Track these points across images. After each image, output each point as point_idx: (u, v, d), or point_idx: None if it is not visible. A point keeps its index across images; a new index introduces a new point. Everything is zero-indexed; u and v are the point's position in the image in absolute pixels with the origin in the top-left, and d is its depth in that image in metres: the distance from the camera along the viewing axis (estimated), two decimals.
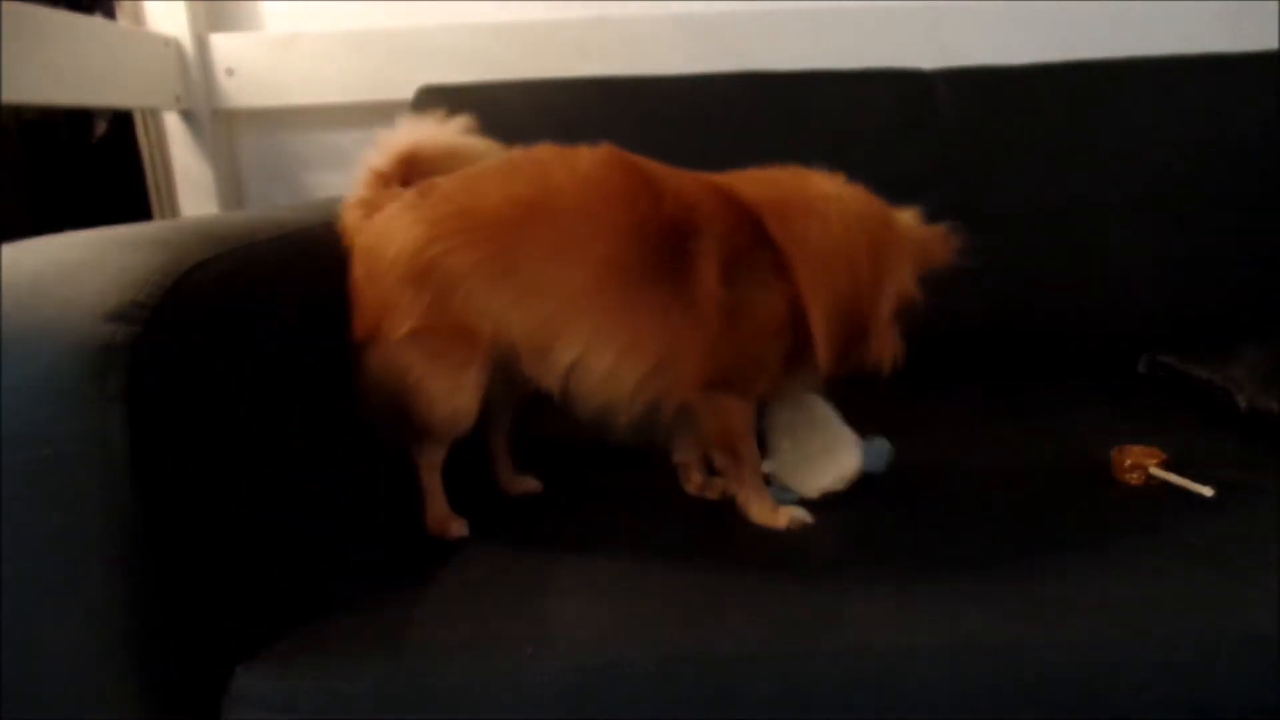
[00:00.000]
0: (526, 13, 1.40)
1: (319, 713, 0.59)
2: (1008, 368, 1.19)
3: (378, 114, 1.42)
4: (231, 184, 1.46)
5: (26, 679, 0.58)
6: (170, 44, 1.36)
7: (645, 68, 1.29)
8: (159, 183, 1.45)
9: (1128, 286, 1.21)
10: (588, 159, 0.77)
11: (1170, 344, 1.13)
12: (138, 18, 1.38)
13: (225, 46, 1.39)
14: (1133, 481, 0.84)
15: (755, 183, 0.80)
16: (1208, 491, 0.78)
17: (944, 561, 0.70)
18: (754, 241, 0.75)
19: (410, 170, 0.81)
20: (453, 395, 0.76)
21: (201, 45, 1.39)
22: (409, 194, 0.78)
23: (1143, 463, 0.83)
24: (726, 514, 0.81)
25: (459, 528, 0.79)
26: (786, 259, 0.74)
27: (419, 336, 0.74)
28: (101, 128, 1.42)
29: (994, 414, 1.06)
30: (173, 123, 1.42)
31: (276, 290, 0.74)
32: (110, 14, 1.35)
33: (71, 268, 0.58)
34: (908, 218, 0.83)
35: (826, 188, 0.80)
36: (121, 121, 1.43)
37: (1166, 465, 0.83)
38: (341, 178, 1.44)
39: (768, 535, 0.76)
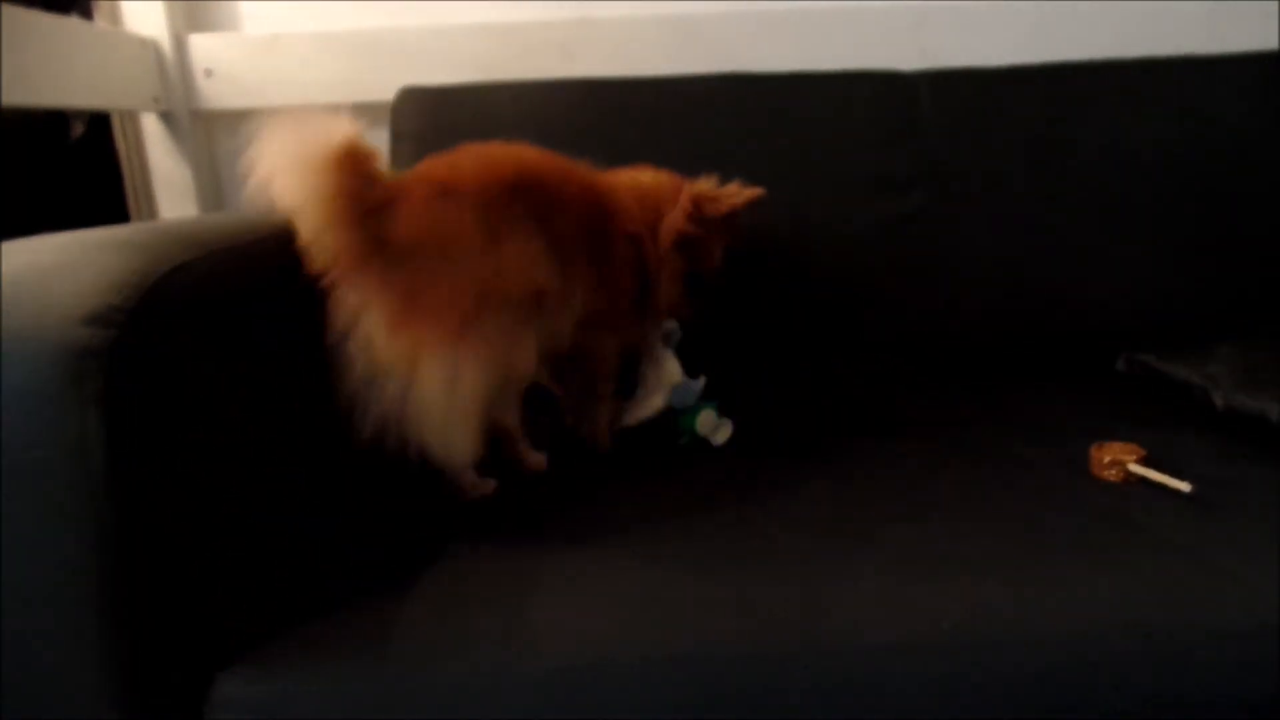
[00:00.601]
0: (509, 13, 1.40)
1: (302, 717, 0.58)
2: (989, 366, 1.20)
3: (359, 116, 1.41)
4: (211, 186, 1.45)
5: (3, 684, 0.57)
6: (148, 45, 1.35)
7: (630, 69, 1.29)
8: (137, 185, 1.44)
9: (1108, 286, 1.22)
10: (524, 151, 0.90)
11: (1149, 343, 1.14)
12: (115, 18, 1.36)
13: (204, 47, 1.38)
14: (1112, 478, 0.85)
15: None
16: (1185, 487, 0.79)
17: (926, 558, 0.70)
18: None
19: None
20: (531, 350, 0.84)
21: (180, 46, 1.37)
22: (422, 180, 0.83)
23: (1121, 459, 0.84)
24: (713, 511, 0.81)
25: (539, 460, 0.93)
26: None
27: (516, 299, 0.81)
28: (78, 129, 1.40)
29: (974, 411, 1.07)
30: (151, 124, 1.41)
31: (257, 293, 0.74)
32: (87, 14, 1.33)
33: (48, 271, 0.58)
34: (700, 183, 1.02)
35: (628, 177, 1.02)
36: (99, 123, 1.41)
37: (1145, 462, 0.84)
38: None
39: (753, 532, 0.76)
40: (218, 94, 1.40)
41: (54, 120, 1.37)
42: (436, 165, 0.86)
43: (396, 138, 1.27)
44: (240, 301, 0.71)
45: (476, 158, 0.87)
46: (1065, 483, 0.85)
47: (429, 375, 0.74)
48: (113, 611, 0.56)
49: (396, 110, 1.27)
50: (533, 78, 1.28)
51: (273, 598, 0.66)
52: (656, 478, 0.90)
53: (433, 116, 1.27)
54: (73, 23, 1.22)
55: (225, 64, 1.39)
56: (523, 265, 0.81)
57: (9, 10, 1.05)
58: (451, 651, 0.61)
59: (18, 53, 1.06)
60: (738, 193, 1.01)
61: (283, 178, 0.72)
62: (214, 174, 1.46)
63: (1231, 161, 1.24)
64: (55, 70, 1.14)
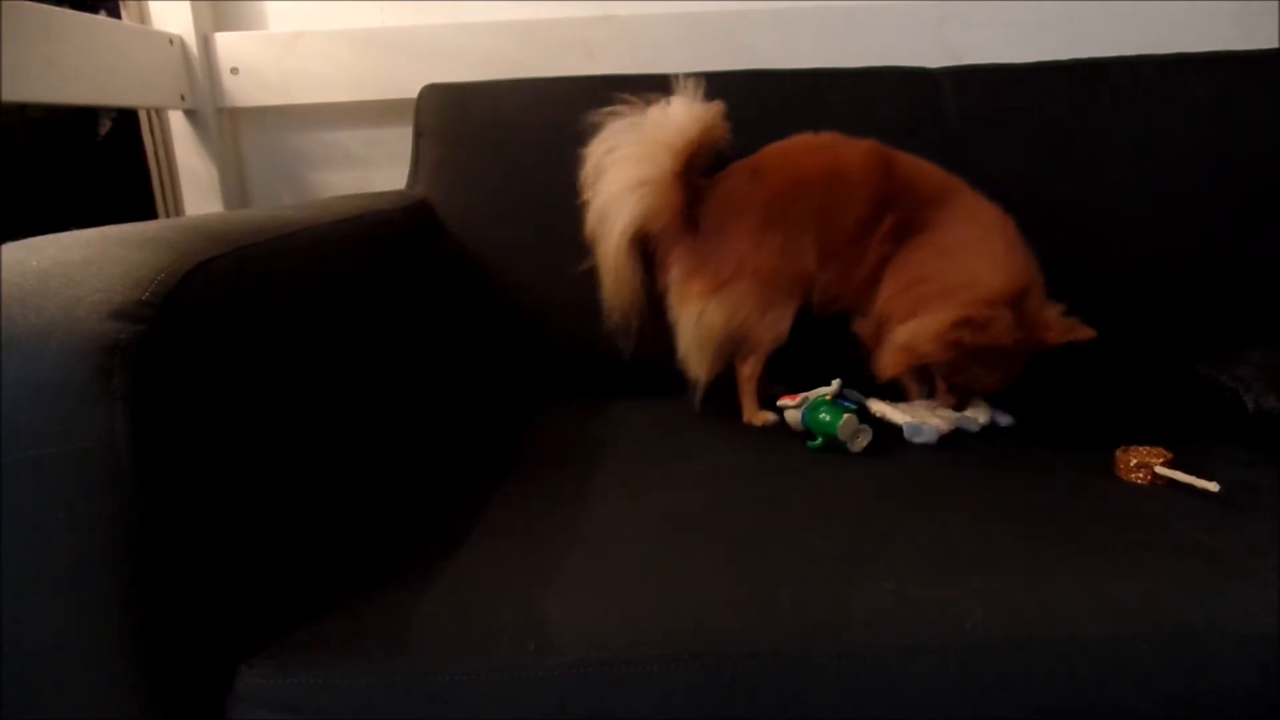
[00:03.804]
0: (531, 11, 1.40)
1: (322, 711, 0.59)
2: None
3: (382, 113, 1.43)
4: (236, 183, 1.46)
5: (28, 678, 0.58)
6: (175, 42, 1.36)
7: (652, 66, 1.28)
8: (164, 182, 1.46)
9: (1135, 284, 1.21)
10: (862, 146, 1.06)
11: (1179, 342, 1.13)
12: (142, 16, 1.38)
13: (230, 45, 1.39)
14: (1139, 480, 0.83)
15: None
16: (1214, 487, 0.78)
17: (948, 558, 0.70)
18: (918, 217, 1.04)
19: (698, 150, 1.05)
20: (780, 321, 1.03)
21: (206, 44, 1.39)
22: (743, 169, 1.07)
23: (1149, 462, 0.83)
24: (736, 509, 0.81)
25: (768, 416, 1.05)
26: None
27: (765, 275, 1.01)
28: (106, 126, 1.42)
29: (1003, 425, 1.05)
30: (177, 121, 1.42)
31: (282, 289, 0.74)
32: (115, 13, 1.35)
33: (76, 266, 0.58)
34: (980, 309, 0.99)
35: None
36: (126, 120, 1.43)
37: (1172, 464, 0.82)
38: (346, 176, 1.46)
39: (772, 529, 0.76)
40: (243, 92, 1.41)
41: (82, 117, 1.39)
42: (772, 151, 1.08)
43: (419, 134, 1.28)
44: (266, 297, 0.71)
45: (800, 149, 1.08)
46: (1090, 485, 0.84)
47: (686, 315, 1.04)
48: (137, 605, 0.57)
49: (419, 107, 1.28)
50: (555, 75, 1.29)
51: (295, 591, 0.67)
52: (682, 472, 0.90)
53: (455, 113, 1.27)
54: (101, 21, 1.24)
55: (251, 62, 1.40)
56: (785, 251, 1.02)
57: (37, 8, 1.06)
58: (470, 646, 0.61)
59: (46, 50, 1.08)
60: (1056, 327, 0.97)
61: (628, 163, 1.02)
62: (239, 171, 1.48)
63: (1262, 159, 1.22)
64: (83, 68, 1.16)
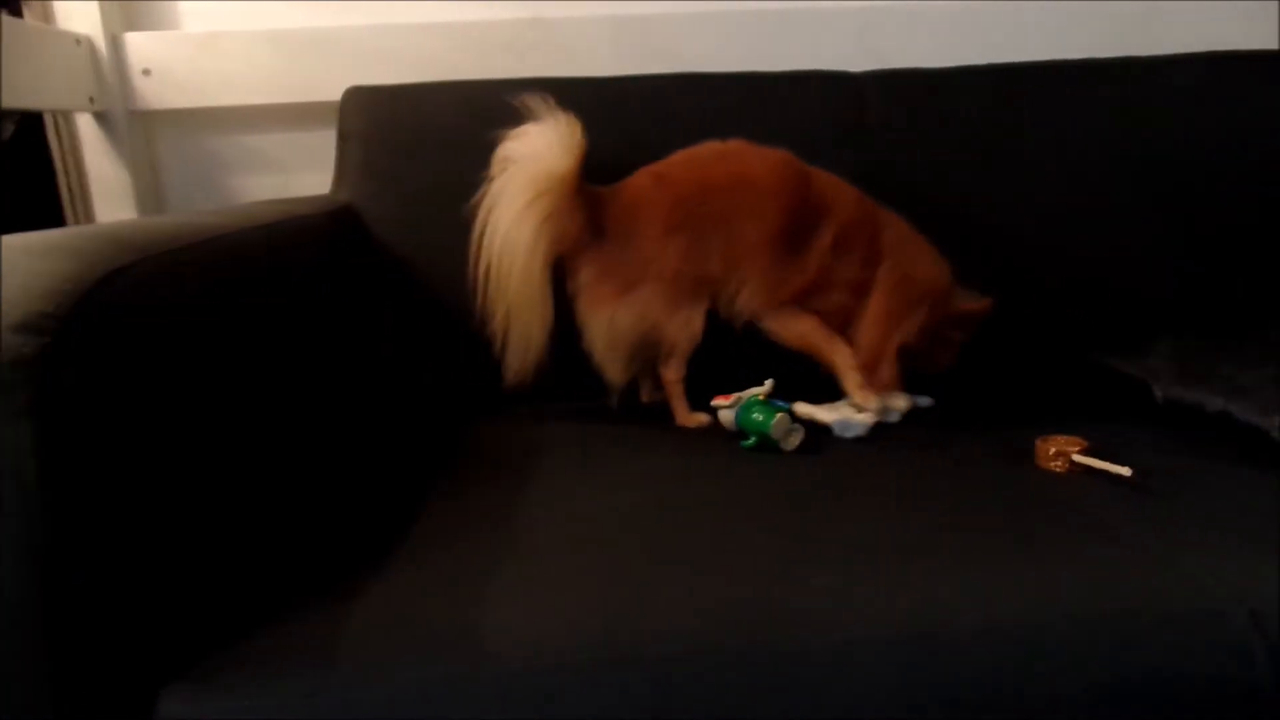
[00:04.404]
0: (458, 13, 1.38)
1: None
2: None
3: (304, 116, 1.40)
4: (150, 189, 1.41)
5: None
6: (82, 43, 1.31)
7: (580, 69, 1.29)
8: (72, 188, 1.40)
9: (1054, 282, 1.25)
10: (772, 155, 1.09)
11: (1094, 338, 1.17)
12: (47, 16, 1.32)
13: (141, 46, 1.34)
14: (1057, 469, 0.87)
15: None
16: (1126, 471, 0.81)
17: (877, 552, 0.71)
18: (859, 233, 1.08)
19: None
20: (690, 322, 1.05)
21: (116, 44, 1.34)
22: (649, 174, 1.09)
23: (1066, 450, 0.86)
24: (668, 509, 0.81)
25: (700, 418, 1.07)
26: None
27: (671, 277, 1.03)
28: (9, 130, 1.35)
29: (924, 407, 1.09)
30: (86, 125, 1.36)
31: (199, 298, 0.72)
32: (16, 11, 1.29)
33: None
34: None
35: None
36: (31, 124, 1.37)
37: (1088, 452, 0.86)
38: (267, 181, 1.42)
39: (707, 530, 0.76)
40: (156, 94, 1.36)
41: None
42: (678, 158, 1.10)
43: (343, 138, 1.25)
44: (183, 307, 0.69)
45: (706, 156, 1.09)
46: (1012, 474, 0.87)
47: (597, 320, 1.04)
48: (49, 629, 0.54)
49: (343, 110, 1.25)
50: (484, 77, 1.27)
51: (219, 609, 0.65)
52: (616, 475, 0.90)
53: (380, 117, 1.25)
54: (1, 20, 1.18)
55: (164, 63, 1.35)
56: (691, 254, 1.04)
57: None
58: (403, 659, 0.60)
59: None
60: (965, 302, 1.08)
61: (522, 194, 1.00)
62: (154, 176, 1.42)
63: (1171, 160, 1.27)
64: None
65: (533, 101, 1.05)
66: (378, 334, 1.14)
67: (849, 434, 0.99)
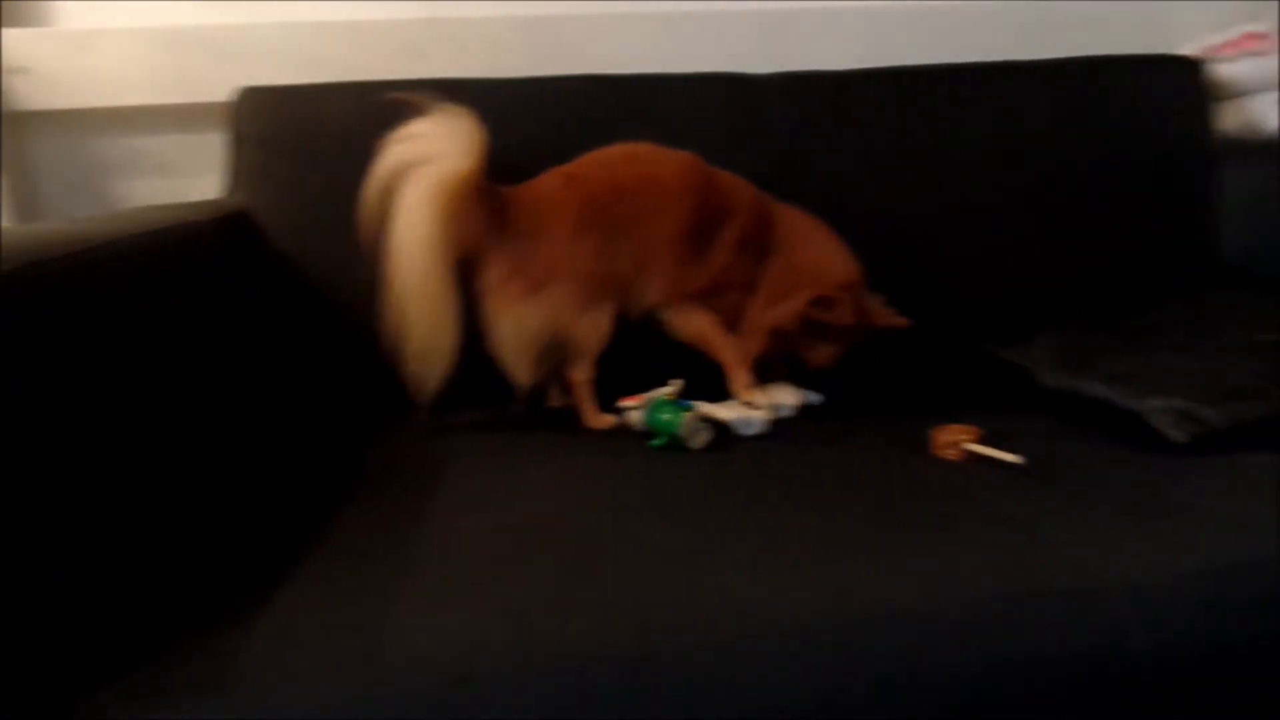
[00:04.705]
0: (355, 12, 1.35)
1: None
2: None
3: (194, 117, 1.34)
4: (26, 193, 1.33)
5: None
6: None
7: (481, 70, 1.27)
8: None
9: (948, 278, 1.30)
10: (679, 157, 1.10)
11: (984, 330, 1.22)
12: None
13: (15, 43, 1.27)
14: (951, 457, 0.90)
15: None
16: (1017, 459, 0.85)
17: (784, 545, 0.73)
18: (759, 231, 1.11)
19: None
20: (600, 322, 1.05)
21: None
22: (559, 174, 1.08)
23: (959, 439, 0.90)
24: (577, 510, 0.81)
25: (609, 419, 1.06)
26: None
27: (582, 277, 1.03)
28: None
29: (824, 401, 1.12)
30: None
31: (78, 309, 0.69)
32: None
33: None
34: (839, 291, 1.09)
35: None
36: None
37: (981, 441, 0.90)
38: (156, 185, 1.36)
39: (616, 532, 0.77)
40: (32, 94, 1.29)
41: None
42: (588, 159, 1.10)
43: (237, 140, 1.21)
44: (61, 319, 0.66)
45: (616, 158, 1.10)
46: (909, 464, 0.90)
47: (506, 320, 1.02)
48: None
49: (237, 112, 1.21)
50: (383, 78, 1.25)
51: (113, 636, 0.62)
52: (525, 480, 0.90)
53: (276, 118, 1.21)
54: None
55: (41, 61, 1.28)
56: (601, 255, 1.04)
57: None
58: (308, 678, 0.59)
59: None
60: (879, 314, 1.09)
61: (424, 196, 0.98)
62: (30, 181, 1.34)
63: (1048, 157, 1.34)
64: None
65: (429, 101, 1.03)
66: (276, 342, 1.10)
67: (749, 431, 1.01)
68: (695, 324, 1.10)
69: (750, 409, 1.04)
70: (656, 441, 0.97)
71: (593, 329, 1.05)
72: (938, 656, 0.63)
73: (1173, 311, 1.15)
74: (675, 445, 0.96)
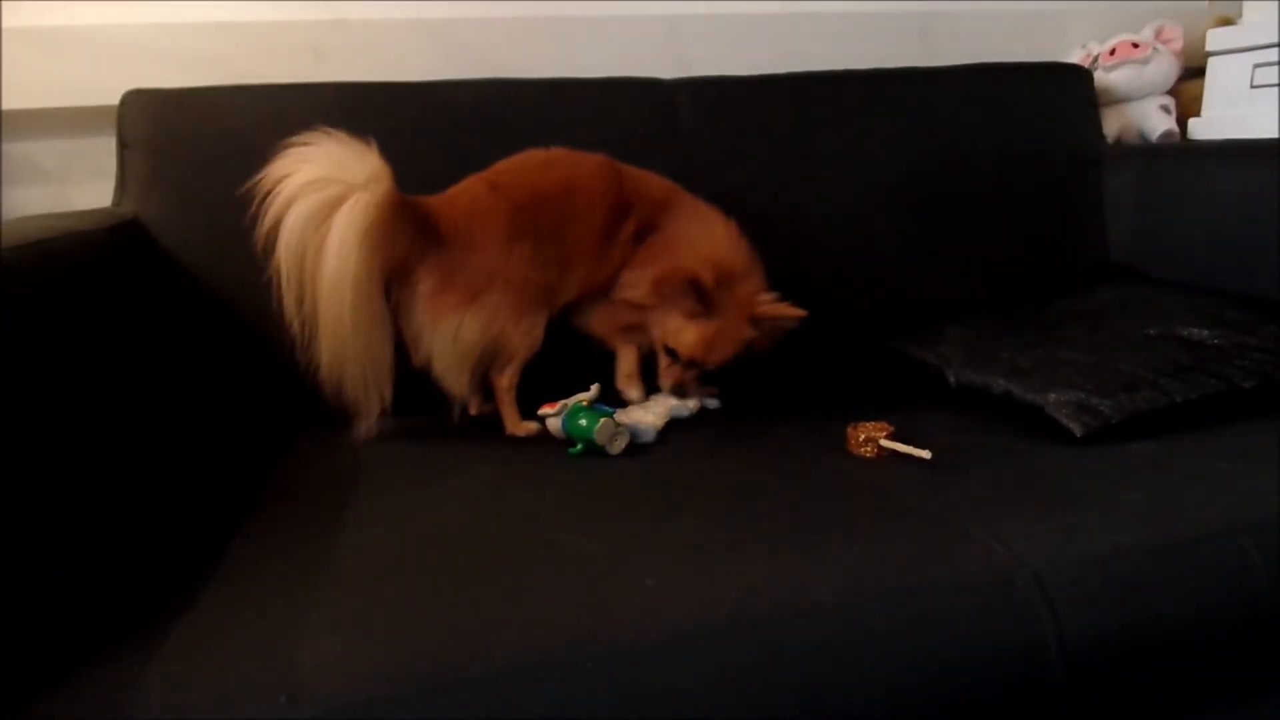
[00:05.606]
0: (251, 12, 1.30)
1: None
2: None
3: (76, 121, 1.27)
4: None
5: None
6: None
7: (384, 74, 1.24)
8: None
9: (855, 278, 1.33)
10: (594, 160, 1.12)
11: (893, 328, 1.25)
12: None
13: None
14: (867, 454, 0.92)
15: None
16: (926, 455, 0.87)
17: (701, 547, 0.73)
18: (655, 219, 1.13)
19: None
20: (534, 329, 1.05)
21: None
22: (481, 181, 1.08)
23: (874, 436, 0.92)
24: (491, 523, 0.80)
25: (530, 426, 1.05)
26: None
27: (517, 284, 1.02)
28: None
29: (740, 400, 1.14)
30: None
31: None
32: None
33: None
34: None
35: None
36: None
37: (893, 437, 0.92)
38: (37, 193, 1.28)
39: (533, 540, 0.76)
40: None
41: None
42: (506, 166, 1.10)
43: (124, 146, 1.15)
44: None
45: (535, 164, 1.10)
46: (825, 462, 0.92)
47: (442, 330, 1.01)
48: None
49: (123, 116, 1.15)
50: (279, 81, 1.21)
51: (13, 659, 0.58)
52: (443, 491, 0.88)
53: (166, 123, 1.16)
54: None
55: None
56: (534, 261, 1.04)
57: None
58: (215, 704, 0.56)
59: None
60: (768, 305, 1.10)
61: (338, 253, 0.94)
62: None
63: (949, 160, 1.39)
64: None
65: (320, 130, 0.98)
66: (175, 355, 1.05)
67: (644, 439, 1.00)
68: (596, 317, 1.13)
69: (643, 414, 1.04)
70: (575, 449, 0.96)
71: (526, 335, 1.05)
72: (857, 651, 0.64)
73: (1067, 307, 1.20)
74: (594, 451, 0.95)
